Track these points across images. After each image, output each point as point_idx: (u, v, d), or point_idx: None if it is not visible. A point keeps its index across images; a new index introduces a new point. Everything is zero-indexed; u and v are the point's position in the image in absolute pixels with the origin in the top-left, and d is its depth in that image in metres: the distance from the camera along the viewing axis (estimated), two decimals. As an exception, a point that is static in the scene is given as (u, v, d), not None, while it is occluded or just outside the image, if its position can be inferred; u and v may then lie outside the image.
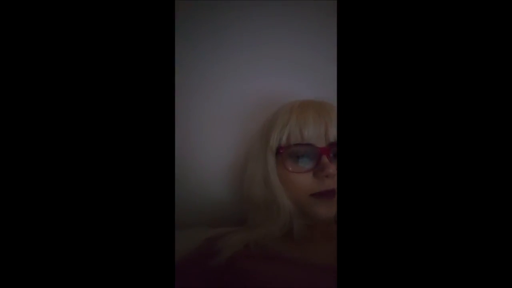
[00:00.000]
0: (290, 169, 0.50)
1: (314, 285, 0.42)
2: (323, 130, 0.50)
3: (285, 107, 0.53)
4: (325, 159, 0.49)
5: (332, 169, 0.48)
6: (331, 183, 0.49)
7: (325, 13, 0.67)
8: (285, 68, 0.69)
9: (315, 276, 0.44)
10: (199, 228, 0.58)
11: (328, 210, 0.49)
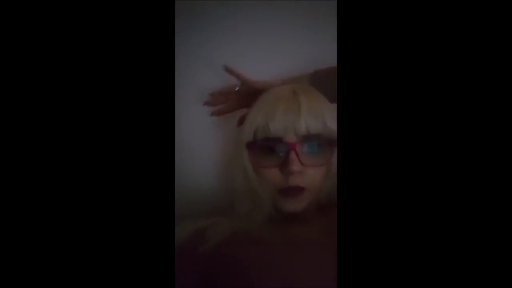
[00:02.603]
0: (258, 164, 0.50)
1: (298, 261, 0.44)
2: (291, 123, 0.48)
3: (262, 98, 0.53)
4: (292, 155, 0.47)
5: (297, 166, 0.47)
6: (297, 180, 0.48)
7: (325, 13, 0.67)
8: (286, 69, 0.69)
9: (298, 253, 0.45)
10: (188, 220, 0.58)
11: (294, 206, 0.50)
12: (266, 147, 0.49)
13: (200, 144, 0.69)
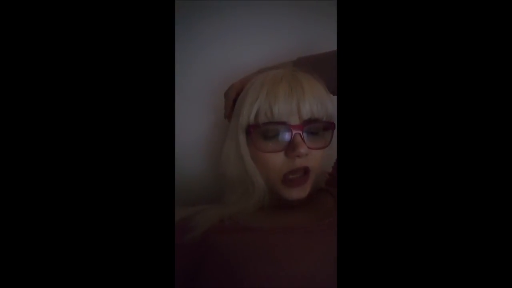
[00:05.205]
0: (261, 149, 0.48)
1: (284, 246, 0.43)
2: (295, 106, 0.47)
3: (257, 81, 0.51)
4: (297, 138, 0.47)
5: (304, 148, 0.46)
6: (303, 162, 0.48)
7: (325, 13, 0.67)
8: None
9: (285, 239, 0.44)
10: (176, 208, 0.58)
11: (299, 194, 0.49)
12: (267, 131, 0.48)
13: (193, 137, 0.69)
